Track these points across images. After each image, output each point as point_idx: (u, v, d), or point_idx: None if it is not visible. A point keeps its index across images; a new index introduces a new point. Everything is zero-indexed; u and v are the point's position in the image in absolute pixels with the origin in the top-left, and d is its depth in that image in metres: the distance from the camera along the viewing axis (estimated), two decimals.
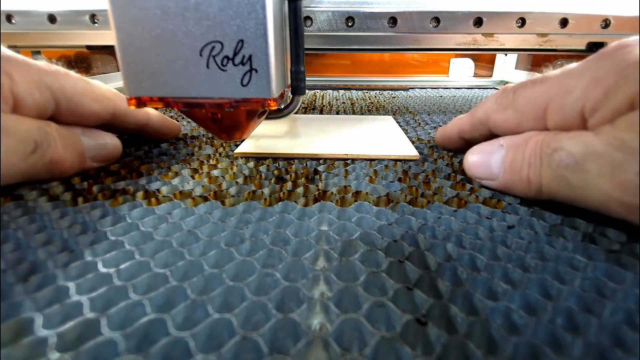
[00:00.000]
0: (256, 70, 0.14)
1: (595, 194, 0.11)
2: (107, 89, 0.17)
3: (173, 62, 0.14)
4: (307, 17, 0.29)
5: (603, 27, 0.29)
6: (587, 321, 0.08)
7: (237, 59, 0.14)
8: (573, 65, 0.13)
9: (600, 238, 0.11)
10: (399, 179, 0.16)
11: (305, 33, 0.29)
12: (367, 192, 0.15)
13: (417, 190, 0.15)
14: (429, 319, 0.08)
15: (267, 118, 0.22)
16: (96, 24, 0.30)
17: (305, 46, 0.32)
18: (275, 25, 0.14)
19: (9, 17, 0.30)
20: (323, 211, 0.13)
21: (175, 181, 0.16)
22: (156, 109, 0.21)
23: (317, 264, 0.10)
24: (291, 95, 0.19)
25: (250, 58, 0.14)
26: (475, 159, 0.15)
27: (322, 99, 0.38)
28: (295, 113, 0.29)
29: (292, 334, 0.08)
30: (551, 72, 0.13)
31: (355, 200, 0.14)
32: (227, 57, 0.14)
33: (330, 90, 0.44)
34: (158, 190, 0.15)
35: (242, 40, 0.13)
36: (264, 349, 0.07)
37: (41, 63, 0.15)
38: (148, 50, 0.14)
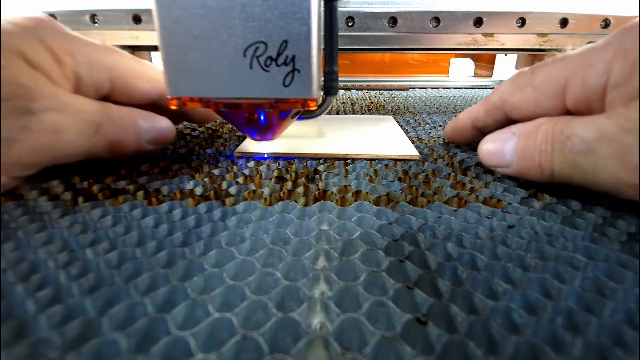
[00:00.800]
0: (299, 71, 0.14)
1: (606, 177, 0.11)
2: (158, 70, 0.18)
3: (216, 62, 0.14)
4: None
5: (603, 27, 0.29)
6: (587, 321, 0.08)
7: (280, 60, 0.14)
8: (593, 43, 0.13)
9: (601, 238, 0.11)
10: (399, 179, 0.16)
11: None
12: (367, 192, 0.15)
13: (417, 189, 0.15)
14: (429, 319, 0.08)
15: (298, 118, 0.22)
16: (96, 24, 0.30)
17: None
18: (317, 26, 0.14)
19: None
20: (323, 211, 0.13)
21: (176, 180, 0.16)
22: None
23: (318, 264, 0.10)
24: (323, 96, 0.19)
25: (293, 58, 0.14)
26: (490, 148, 0.15)
27: None
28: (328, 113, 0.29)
29: (293, 333, 0.08)
30: (570, 51, 0.13)
31: (356, 200, 0.14)
32: (270, 57, 0.14)
33: None
34: (158, 189, 0.15)
35: (286, 41, 0.14)
36: (265, 348, 0.07)
37: (98, 42, 0.15)
38: (191, 51, 0.14)
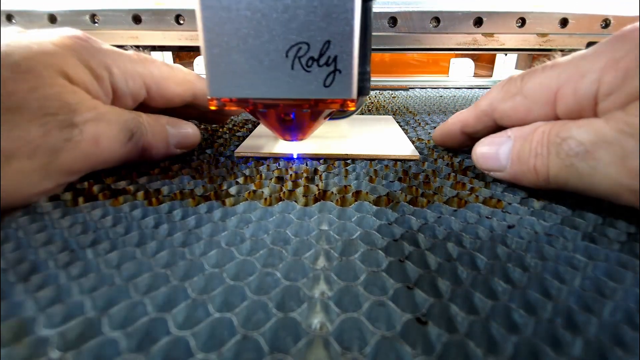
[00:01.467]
0: (340, 71, 0.14)
1: (605, 182, 0.11)
2: (188, 71, 0.19)
3: (258, 63, 0.14)
4: None
5: (603, 27, 0.29)
6: (587, 321, 0.08)
7: (322, 60, 0.14)
8: (583, 51, 0.13)
9: (601, 237, 0.11)
10: (399, 179, 0.16)
11: None
12: (367, 192, 0.15)
13: (417, 190, 0.15)
14: (429, 318, 0.08)
15: (330, 119, 0.22)
16: (96, 24, 0.30)
17: None
18: (358, 26, 0.14)
19: (9, 17, 0.30)
20: (323, 211, 0.13)
21: (176, 181, 0.16)
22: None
23: (318, 264, 0.10)
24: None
25: (335, 59, 0.14)
26: (484, 151, 0.15)
27: None
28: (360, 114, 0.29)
29: (293, 333, 0.08)
30: (561, 58, 0.13)
31: (356, 200, 0.14)
32: (312, 58, 0.14)
33: None
34: (158, 190, 0.15)
35: (329, 41, 0.14)
36: (265, 348, 0.07)
37: (131, 52, 0.16)
38: (234, 52, 0.14)
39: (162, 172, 0.17)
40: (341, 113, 0.23)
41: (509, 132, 0.14)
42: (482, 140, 0.16)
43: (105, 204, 0.13)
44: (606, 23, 0.29)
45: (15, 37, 0.13)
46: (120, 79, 0.15)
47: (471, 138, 0.17)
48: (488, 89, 0.46)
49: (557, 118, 0.13)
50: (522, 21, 0.29)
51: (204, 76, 0.15)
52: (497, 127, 0.16)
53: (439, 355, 0.07)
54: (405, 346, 0.07)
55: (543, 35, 0.29)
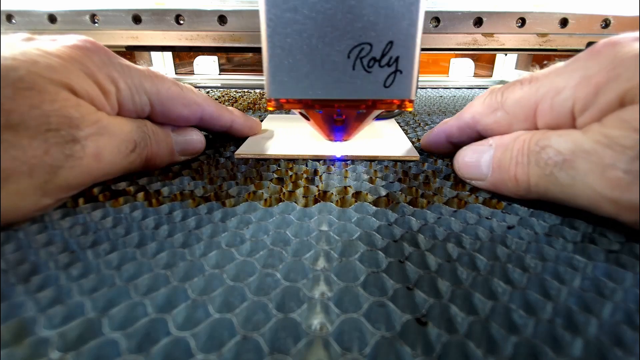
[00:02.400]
0: (401, 72, 0.14)
1: (584, 192, 0.11)
2: (198, 93, 0.18)
3: (319, 64, 0.14)
4: None
5: (603, 27, 0.29)
6: (587, 321, 0.08)
7: (384, 61, 0.14)
8: (561, 64, 0.13)
9: (600, 238, 0.11)
10: (399, 180, 0.16)
11: None
12: (367, 193, 0.15)
13: (417, 190, 0.15)
14: (429, 319, 0.08)
15: (377, 119, 0.22)
16: (96, 24, 0.30)
17: None
18: (421, 27, 0.14)
19: (9, 16, 0.30)
20: (323, 212, 0.13)
21: (176, 182, 0.16)
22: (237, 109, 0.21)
23: (318, 264, 0.10)
24: None
25: (397, 59, 0.14)
26: (466, 160, 0.15)
27: None
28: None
29: (293, 334, 0.08)
30: (539, 71, 0.13)
31: (356, 201, 0.14)
32: (374, 58, 0.14)
33: None
34: (158, 191, 0.15)
35: (391, 42, 0.14)
36: (265, 348, 0.07)
37: (142, 68, 0.16)
38: (296, 53, 0.14)
39: (162, 173, 0.17)
40: (388, 113, 0.23)
41: (490, 140, 0.15)
42: (464, 148, 0.16)
43: (105, 205, 0.13)
44: (606, 23, 0.29)
45: (23, 48, 0.12)
46: (127, 94, 0.15)
47: (457, 147, 0.17)
48: (488, 89, 0.46)
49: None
50: (522, 21, 0.29)
51: (265, 78, 0.15)
52: (481, 137, 0.16)
53: (438, 356, 0.07)
54: (405, 347, 0.07)
55: (543, 35, 0.29)
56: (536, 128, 0.13)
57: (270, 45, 0.14)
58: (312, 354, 0.07)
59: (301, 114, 0.18)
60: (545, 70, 0.13)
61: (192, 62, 0.57)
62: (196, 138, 0.18)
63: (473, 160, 0.15)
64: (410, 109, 0.15)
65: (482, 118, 0.15)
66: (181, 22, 0.29)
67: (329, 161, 0.19)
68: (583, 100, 0.11)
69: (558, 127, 0.12)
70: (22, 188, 0.11)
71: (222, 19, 0.28)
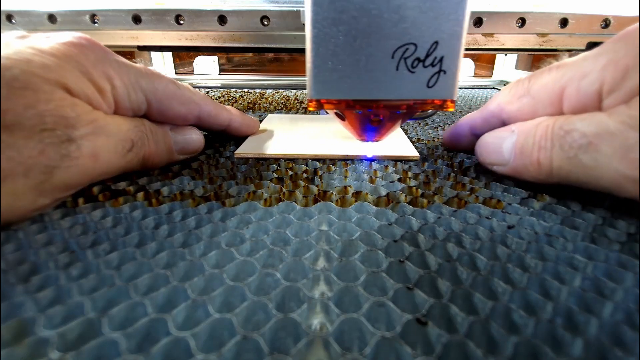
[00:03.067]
0: (444, 72, 0.14)
1: (607, 174, 0.11)
2: (195, 92, 0.18)
3: (364, 64, 0.14)
4: None
5: (603, 27, 0.29)
6: (587, 321, 0.08)
7: (428, 61, 0.14)
8: (588, 52, 0.13)
9: (601, 238, 0.11)
10: (399, 179, 0.16)
11: (303, 33, 0.29)
12: (367, 192, 0.15)
13: (417, 190, 0.15)
14: (429, 319, 0.08)
15: (410, 119, 0.22)
16: (96, 24, 0.30)
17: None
18: (466, 27, 0.14)
19: (9, 16, 0.30)
20: (323, 211, 0.13)
21: (176, 181, 0.16)
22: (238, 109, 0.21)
23: (318, 264, 0.10)
24: None
25: (441, 59, 0.14)
26: (487, 145, 0.16)
27: None
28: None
29: (293, 334, 0.08)
30: (567, 59, 0.14)
31: (356, 201, 0.14)
32: (418, 58, 0.14)
33: None
34: (158, 191, 0.15)
35: (437, 42, 0.14)
36: (265, 348, 0.07)
37: (139, 65, 0.16)
38: (341, 54, 0.14)
39: (162, 173, 0.17)
40: (423, 113, 0.23)
41: (512, 127, 0.15)
42: (486, 135, 0.16)
43: (105, 205, 0.13)
44: (606, 23, 0.29)
45: (17, 46, 0.12)
46: (123, 91, 0.15)
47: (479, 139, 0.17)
48: (488, 89, 0.46)
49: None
50: (522, 21, 0.29)
51: (308, 79, 0.15)
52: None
53: (438, 356, 0.07)
54: (405, 347, 0.07)
55: (543, 35, 0.29)
56: (561, 113, 0.13)
57: (315, 46, 0.14)
58: (312, 354, 0.07)
59: (336, 114, 0.18)
60: (573, 57, 0.13)
61: (192, 62, 0.57)
62: (195, 137, 0.18)
63: (495, 146, 0.15)
64: (452, 109, 0.15)
65: (507, 106, 0.15)
66: (181, 22, 0.29)
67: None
68: (610, 82, 0.11)
69: (584, 110, 0.12)
70: (19, 188, 0.11)
71: (222, 19, 0.28)
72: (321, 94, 0.15)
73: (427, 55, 0.14)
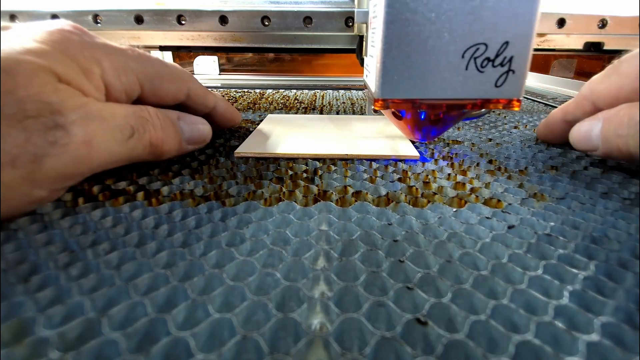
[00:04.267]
0: (513, 72, 0.15)
1: None
2: (182, 70, 0.18)
3: (434, 64, 0.14)
4: (307, 17, 0.29)
5: (600, 27, 0.29)
6: (587, 320, 0.08)
7: (498, 60, 0.14)
8: None
9: (601, 238, 0.11)
10: (399, 179, 0.16)
11: (306, 33, 0.29)
12: (367, 192, 0.15)
13: (418, 190, 0.15)
14: (429, 319, 0.08)
15: (465, 119, 0.22)
16: (99, 24, 0.30)
17: (307, 47, 0.32)
18: (536, 28, 0.14)
19: (12, 17, 0.30)
20: (323, 211, 0.13)
21: (176, 181, 0.16)
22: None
23: (318, 264, 0.10)
24: None
25: (510, 59, 0.14)
26: (579, 134, 0.17)
27: (322, 99, 0.38)
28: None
29: (293, 334, 0.08)
30: None
31: (356, 200, 0.14)
32: (487, 58, 0.14)
33: (330, 90, 0.45)
34: (158, 190, 0.15)
35: (507, 42, 0.14)
36: (265, 348, 0.07)
37: (125, 47, 0.15)
38: (412, 54, 0.14)
39: (162, 172, 0.17)
40: (477, 112, 0.24)
41: (599, 115, 0.16)
42: (577, 124, 0.17)
43: (105, 205, 0.13)
44: (603, 23, 0.29)
45: None
46: (112, 74, 0.14)
47: (572, 126, 0.18)
48: None
49: None
50: None
51: (372, 80, 0.15)
52: (596, 112, 0.17)
53: (439, 356, 0.07)
54: (405, 346, 0.07)
55: (541, 35, 0.29)
56: None
57: (386, 46, 0.14)
58: (312, 354, 0.07)
59: (393, 113, 0.18)
60: None
61: (192, 62, 0.57)
62: (202, 127, 0.18)
63: (586, 134, 0.16)
64: (517, 109, 0.16)
65: (597, 85, 0.17)
66: (183, 22, 0.29)
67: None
68: None
69: None
70: (9, 179, 0.11)
71: (223, 19, 0.28)
72: (389, 94, 0.15)
73: (497, 55, 0.14)
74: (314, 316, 0.08)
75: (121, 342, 0.07)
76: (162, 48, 0.32)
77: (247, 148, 0.20)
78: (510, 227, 0.12)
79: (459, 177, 0.16)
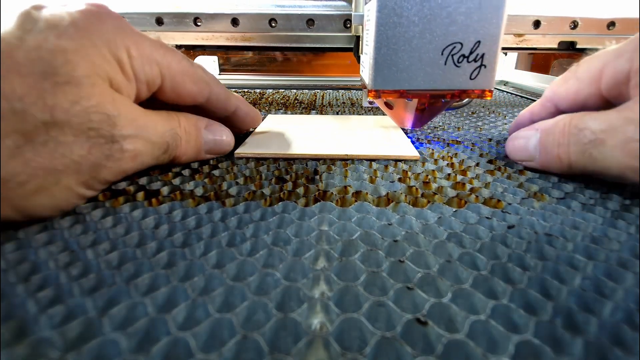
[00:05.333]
0: (485, 66, 0.17)
1: (612, 164, 0.13)
2: (207, 72, 0.18)
3: (417, 60, 0.17)
4: (310, 19, 0.30)
5: (572, 28, 0.32)
6: (587, 321, 0.08)
7: (472, 57, 0.17)
8: (631, 37, 0.14)
9: (601, 238, 0.11)
10: (399, 179, 0.16)
11: (309, 34, 0.31)
12: (367, 192, 0.15)
13: (418, 190, 0.15)
14: (429, 319, 0.08)
15: (447, 109, 0.25)
16: None
17: (310, 46, 0.33)
18: (504, 29, 0.17)
19: None
20: (323, 211, 0.13)
21: (176, 181, 0.16)
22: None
23: (318, 264, 0.10)
24: None
25: (482, 56, 0.17)
26: (515, 144, 0.17)
27: (322, 99, 0.38)
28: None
29: (293, 334, 0.08)
30: (610, 47, 0.15)
31: (356, 201, 0.14)
32: (463, 55, 0.17)
33: (330, 90, 0.44)
34: (158, 190, 0.15)
35: (479, 41, 0.17)
36: (265, 348, 0.07)
37: (153, 37, 0.15)
38: (399, 51, 0.17)
39: (162, 172, 0.17)
40: (458, 103, 0.27)
41: (535, 125, 0.16)
42: (513, 134, 0.18)
43: (105, 205, 0.13)
44: (575, 24, 0.32)
45: (40, 27, 0.12)
46: (139, 63, 0.14)
47: (508, 138, 0.19)
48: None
49: (602, 96, 0.15)
50: None
51: (366, 74, 0.17)
52: (558, 112, 0.17)
53: (439, 356, 0.07)
54: (405, 346, 0.07)
55: (519, 35, 0.32)
56: (600, 92, 0.15)
57: (378, 45, 0.17)
58: (312, 354, 0.07)
59: (385, 103, 0.21)
60: (615, 45, 0.15)
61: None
62: (226, 140, 0.18)
63: (522, 144, 0.17)
64: (489, 98, 0.18)
65: (558, 88, 0.17)
66: (199, 24, 0.31)
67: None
68: (637, 65, 0.13)
69: (617, 87, 0.14)
70: (72, 184, 0.12)
71: (234, 21, 0.31)
72: (380, 85, 0.18)
73: (471, 52, 0.17)
74: (314, 316, 0.08)
75: (121, 342, 0.07)
76: (179, 47, 0.33)
77: (247, 148, 0.20)
78: (510, 227, 0.12)
79: (459, 177, 0.16)
